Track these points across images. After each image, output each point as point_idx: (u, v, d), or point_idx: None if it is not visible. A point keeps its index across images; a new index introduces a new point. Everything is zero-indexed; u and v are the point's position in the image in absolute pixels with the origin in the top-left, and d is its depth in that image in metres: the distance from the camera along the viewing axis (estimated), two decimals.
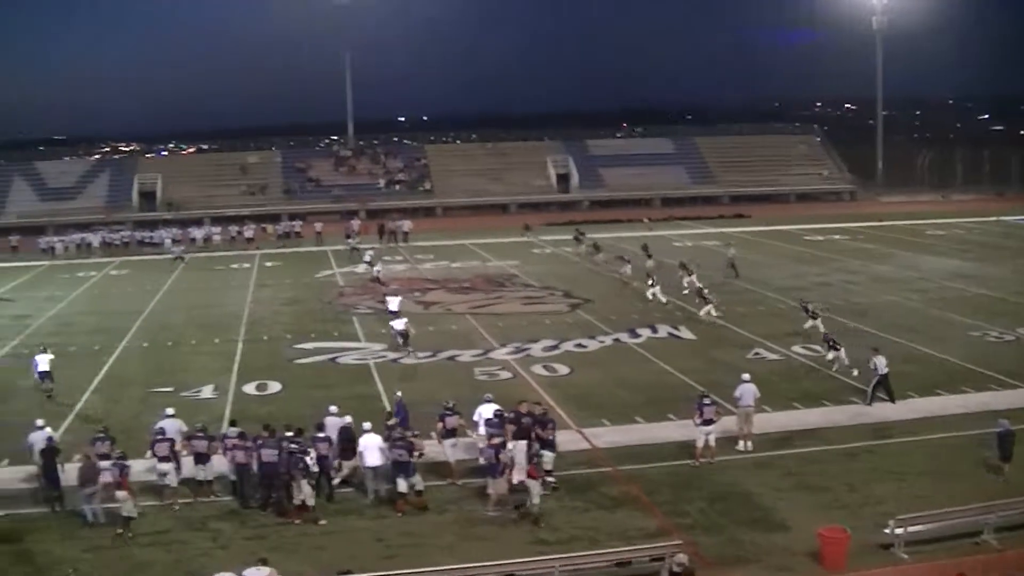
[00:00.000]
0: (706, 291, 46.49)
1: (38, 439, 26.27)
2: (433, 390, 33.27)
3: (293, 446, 24.74)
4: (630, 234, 73.90)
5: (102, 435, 26.70)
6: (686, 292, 49.18)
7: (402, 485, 24.52)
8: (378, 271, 57.53)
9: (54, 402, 34.65)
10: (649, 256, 56.42)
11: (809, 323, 39.83)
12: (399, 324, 40.62)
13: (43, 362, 35.98)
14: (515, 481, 24.12)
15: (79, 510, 24.54)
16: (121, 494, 23.91)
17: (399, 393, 30.04)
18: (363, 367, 38.62)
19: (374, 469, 25.23)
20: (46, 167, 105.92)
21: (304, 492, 24.07)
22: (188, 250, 74.74)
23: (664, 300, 48.13)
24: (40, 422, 27.21)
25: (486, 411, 26.86)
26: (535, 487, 23.56)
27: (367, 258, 61.02)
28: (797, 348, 39.05)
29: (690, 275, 50.28)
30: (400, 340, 40.17)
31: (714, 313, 44.22)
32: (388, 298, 45.26)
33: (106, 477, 24.51)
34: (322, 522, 23.95)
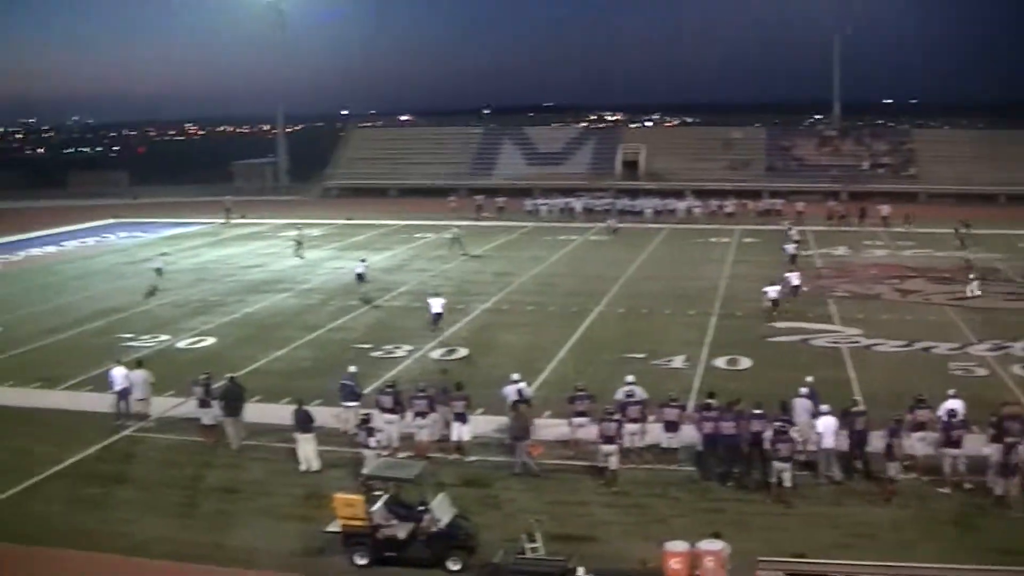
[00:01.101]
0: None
1: (511, 391, 27.47)
2: (905, 381, 31.81)
3: (778, 424, 24.33)
4: None
5: (582, 393, 27.43)
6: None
7: (891, 469, 23.69)
8: (794, 251, 55.97)
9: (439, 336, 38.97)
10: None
11: None
12: (772, 292, 42.86)
13: (436, 305, 40.93)
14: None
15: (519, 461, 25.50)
16: (608, 448, 24.55)
17: (810, 378, 28.68)
18: (835, 351, 37.39)
19: (828, 452, 24.60)
20: (535, 133, 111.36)
21: (784, 473, 23.66)
22: (668, 221, 75.99)
23: (979, 293, 47.14)
24: (515, 376, 28.41)
25: (948, 407, 25.46)
26: None
27: (796, 238, 59.21)
28: None
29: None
30: (772, 305, 42.53)
31: (976, 291, 45.64)
32: (790, 274, 46.75)
33: (589, 433, 25.64)
34: (790, 505, 23.32)
